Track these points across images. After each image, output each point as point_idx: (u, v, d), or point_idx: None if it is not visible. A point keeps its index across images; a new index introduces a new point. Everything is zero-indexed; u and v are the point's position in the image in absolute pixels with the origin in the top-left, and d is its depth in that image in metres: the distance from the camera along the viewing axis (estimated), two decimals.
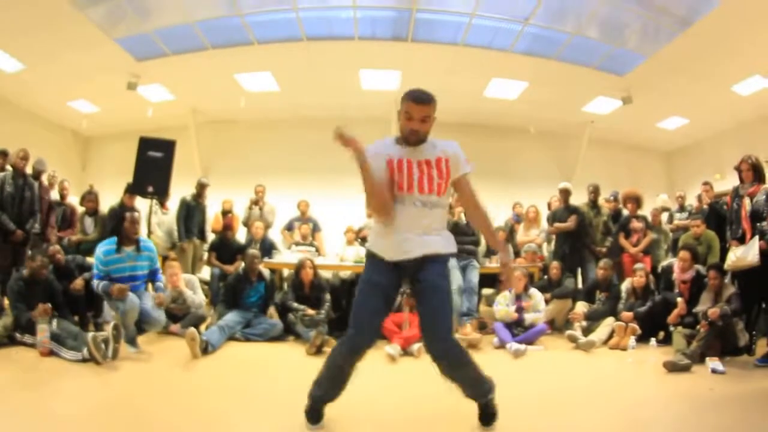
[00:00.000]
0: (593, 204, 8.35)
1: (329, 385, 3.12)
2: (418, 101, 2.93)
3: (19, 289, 5.18)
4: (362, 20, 9.05)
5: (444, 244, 3.06)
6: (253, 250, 6.80)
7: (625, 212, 8.12)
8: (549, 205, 9.06)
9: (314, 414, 3.14)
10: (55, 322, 4.96)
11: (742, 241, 5.61)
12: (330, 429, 3.16)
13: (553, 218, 8.31)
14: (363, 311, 3.01)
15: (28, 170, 6.73)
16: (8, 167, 6.68)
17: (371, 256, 3.07)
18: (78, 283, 5.82)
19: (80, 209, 8.01)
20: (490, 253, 7.82)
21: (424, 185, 2.95)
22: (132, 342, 5.16)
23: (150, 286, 5.66)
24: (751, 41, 8.52)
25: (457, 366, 3.05)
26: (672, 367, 4.83)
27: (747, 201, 5.62)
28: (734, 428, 3.37)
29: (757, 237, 5.39)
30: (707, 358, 5.02)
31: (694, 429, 3.40)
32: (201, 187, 8.53)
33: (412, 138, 2.97)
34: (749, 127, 10.62)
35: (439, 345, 2.97)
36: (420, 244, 2.96)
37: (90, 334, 4.58)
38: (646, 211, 8.25)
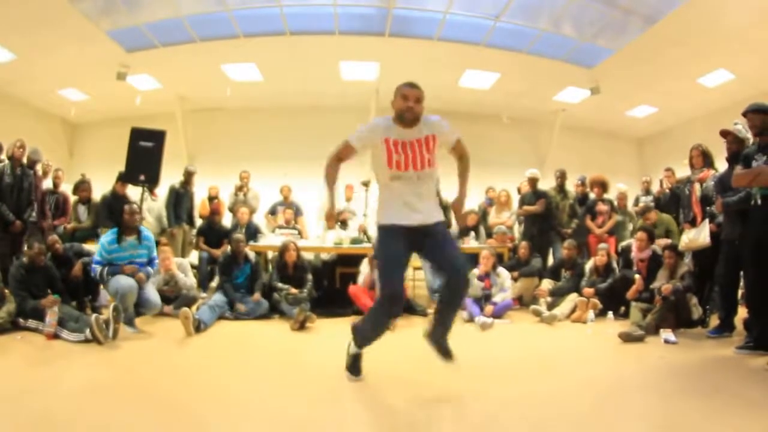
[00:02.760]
0: (560, 188, 8.69)
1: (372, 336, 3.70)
2: (412, 86, 3.49)
3: (20, 277, 5.32)
4: (342, 16, 9.26)
5: (438, 209, 3.63)
6: (239, 235, 7.07)
7: (592, 196, 8.43)
8: (519, 190, 9.36)
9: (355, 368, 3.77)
10: (56, 307, 5.07)
11: (693, 224, 5.93)
12: (312, 391, 3.50)
13: (522, 202, 8.62)
14: (392, 278, 3.44)
15: (24, 160, 6.81)
16: (3, 158, 6.72)
17: (383, 229, 3.57)
18: (77, 268, 6.00)
19: (73, 198, 8.12)
20: (462, 233, 8.20)
21: (417, 163, 3.47)
22: (130, 323, 5.39)
23: None
24: (716, 37, 8.85)
25: (462, 294, 3.58)
26: (626, 338, 5.12)
27: (697, 186, 5.94)
28: (675, 389, 3.63)
29: (707, 220, 5.69)
30: (661, 330, 5.30)
31: (638, 389, 3.69)
32: (188, 175, 8.74)
33: (409, 115, 3.46)
34: (716, 116, 10.46)
35: (464, 270, 3.51)
36: (424, 211, 3.53)
37: (93, 316, 4.76)
38: (612, 195, 8.61)
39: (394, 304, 3.47)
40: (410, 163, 3.47)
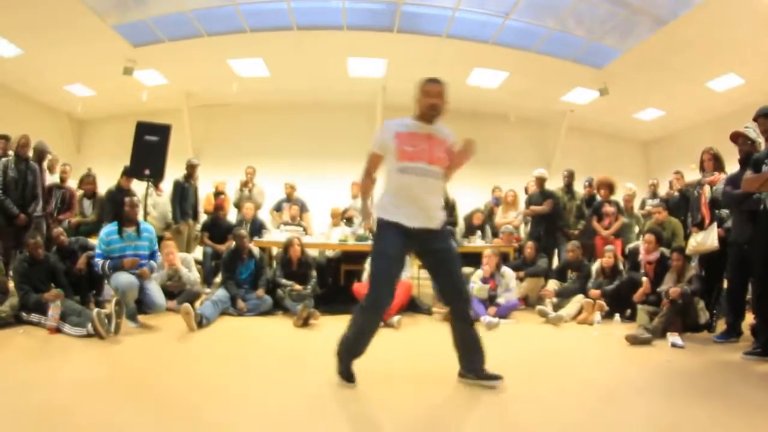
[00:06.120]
0: (568, 189, 8.65)
1: (356, 344, 3.55)
2: (434, 81, 3.44)
3: (23, 270, 5.31)
4: (350, 11, 9.26)
5: (443, 213, 3.59)
6: (242, 230, 7.04)
7: (599, 197, 8.31)
8: (526, 190, 9.32)
9: (347, 374, 3.55)
10: (59, 301, 5.07)
11: (701, 226, 5.93)
12: (314, 388, 3.48)
13: (529, 202, 8.56)
14: (380, 280, 3.47)
15: (30, 154, 6.81)
16: (10, 152, 6.76)
17: (385, 225, 3.48)
18: (81, 261, 5.98)
19: (79, 192, 8.06)
20: (468, 233, 8.18)
21: (427, 156, 3.41)
22: (132, 318, 5.40)
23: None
24: (726, 41, 8.80)
25: (471, 323, 3.59)
26: (633, 340, 5.09)
27: (707, 189, 5.95)
28: (681, 392, 3.62)
29: (715, 224, 5.70)
30: (668, 333, 5.27)
31: (644, 391, 3.67)
32: (191, 168, 8.65)
33: (431, 112, 3.42)
34: (724, 120, 10.20)
35: (464, 304, 3.54)
36: (433, 214, 3.48)
37: (95, 311, 4.75)
38: (619, 197, 8.51)
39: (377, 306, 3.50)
40: (421, 154, 3.40)
